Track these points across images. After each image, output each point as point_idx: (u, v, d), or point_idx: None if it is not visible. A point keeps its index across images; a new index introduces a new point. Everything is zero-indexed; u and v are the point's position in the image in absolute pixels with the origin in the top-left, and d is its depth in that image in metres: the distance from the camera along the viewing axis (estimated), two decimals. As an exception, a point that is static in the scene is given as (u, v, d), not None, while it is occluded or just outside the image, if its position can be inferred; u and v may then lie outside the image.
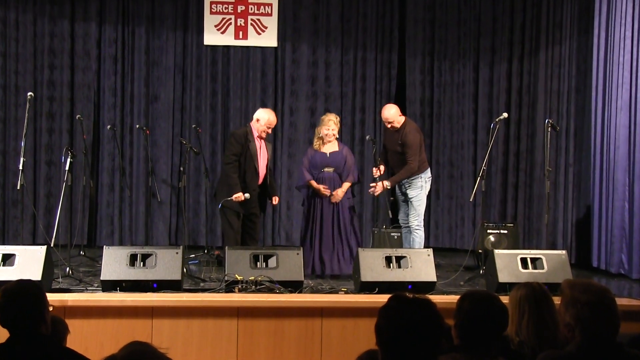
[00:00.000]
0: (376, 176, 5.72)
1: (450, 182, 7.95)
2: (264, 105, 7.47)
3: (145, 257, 5.04)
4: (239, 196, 5.46)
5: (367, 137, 6.06)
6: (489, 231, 6.65)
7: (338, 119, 5.96)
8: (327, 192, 5.62)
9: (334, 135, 5.72)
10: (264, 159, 5.72)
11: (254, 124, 5.66)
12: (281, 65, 7.87)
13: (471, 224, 7.78)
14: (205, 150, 7.58)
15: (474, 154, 7.82)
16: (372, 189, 5.66)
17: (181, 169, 6.45)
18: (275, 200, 5.81)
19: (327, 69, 7.90)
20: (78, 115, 6.85)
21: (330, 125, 5.73)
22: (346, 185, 5.64)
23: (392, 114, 5.94)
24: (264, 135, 5.64)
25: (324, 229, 5.63)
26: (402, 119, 6.01)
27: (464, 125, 7.92)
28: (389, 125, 5.95)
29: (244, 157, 5.51)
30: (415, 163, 5.84)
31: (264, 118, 5.63)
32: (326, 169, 5.73)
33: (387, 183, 5.72)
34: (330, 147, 5.82)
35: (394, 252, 5.29)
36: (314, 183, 5.69)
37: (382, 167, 5.92)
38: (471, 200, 6.30)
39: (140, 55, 7.78)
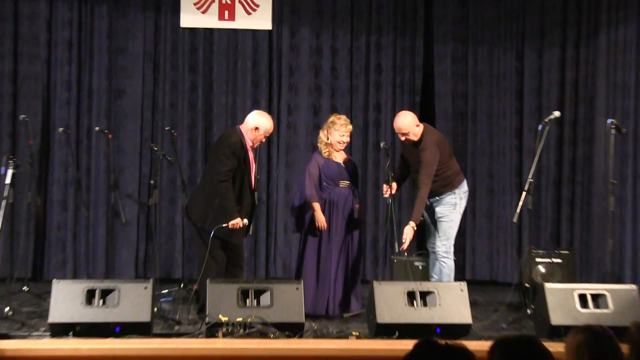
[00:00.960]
0: (386, 196, 5.75)
1: (489, 198, 7.95)
2: (255, 103, 7.58)
3: (105, 293, 5.01)
4: (237, 222, 5.43)
5: (382, 144, 6.05)
6: (537, 260, 6.65)
7: (348, 122, 6.04)
8: (323, 224, 5.71)
9: (346, 143, 5.84)
10: (253, 171, 5.78)
11: (247, 131, 5.63)
12: (277, 53, 7.88)
13: (515, 251, 7.78)
14: (181, 159, 7.56)
15: (519, 163, 7.81)
16: (402, 246, 5.64)
17: (152, 182, 6.43)
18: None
19: (334, 57, 7.90)
20: (22, 116, 6.83)
21: (346, 130, 5.83)
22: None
23: (406, 123, 5.96)
24: (257, 145, 5.67)
25: (332, 257, 5.71)
26: (420, 129, 6.02)
27: (506, 127, 7.95)
28: (403, 138, 5.99)
29: (239, 172, 5.50)
30: (425, 189, 5.82)
31: (264, 126, 5.64)
32: (342, 183, 5.84)
33: (410, 226, 5.65)
34: (340, 155, 5.92)
35: (418, 287, 5.30)
36: (317, 209, 5.73)
37: (394, 185, 5.93)
38: (515, 221, 6.17)
39: (102, 40, 7.79)
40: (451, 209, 6.07)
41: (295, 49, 7.85)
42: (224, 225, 5.31)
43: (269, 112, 6.97)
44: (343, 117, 6.02)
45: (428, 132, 5.99)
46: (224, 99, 7.84)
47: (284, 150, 7.92)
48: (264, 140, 5.66)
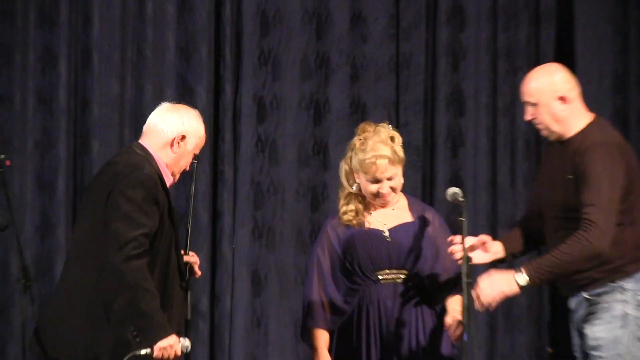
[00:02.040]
0: (456, 257, 3.92)
1: None
2: (185, 92, 5.61)
3: None
4: (171, 346, 3.70)
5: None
6: None
7: (396, 136, 4.08)
8: None
9: (392, 190, 4.02)
10: None
11: (161, 150, 3.88)
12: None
13: None
14: (22, 217, 5.49)
15: None
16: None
17: None
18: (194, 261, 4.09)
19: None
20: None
21: (383, 167, 4.00)
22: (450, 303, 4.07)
23: (539, 86, 4.00)
24: (177, 176, 3.98)
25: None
26: (578, 113, 4.01)
27: None
28: (541, 128, 4.04)
29: (162, 243, 3.82)
30: (596, 231, 3.81)
31: (195, 132, 3.94)
32: (385, 274, 4.07)
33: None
34: (391, 215, 4.10)
35: None
36: (319, 348, 4.14)
37: (487, 240, 4.00)
38: None
39: None
40: (613, 326, 3.94)
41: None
42: (141, 353, 3.65)
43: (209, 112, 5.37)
44: (378, 128, 4.12)
45: (597, 123, 4.07)
46: (115, 84, 5.62)
47: (245, 197, 5.70)
48: (187, 166, 3.96)
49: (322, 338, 4.11)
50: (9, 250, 5.28)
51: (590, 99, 4.55)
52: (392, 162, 3.92)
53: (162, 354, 3.64)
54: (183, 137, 3.75)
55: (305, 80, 5.42)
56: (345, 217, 4.01)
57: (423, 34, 5.52)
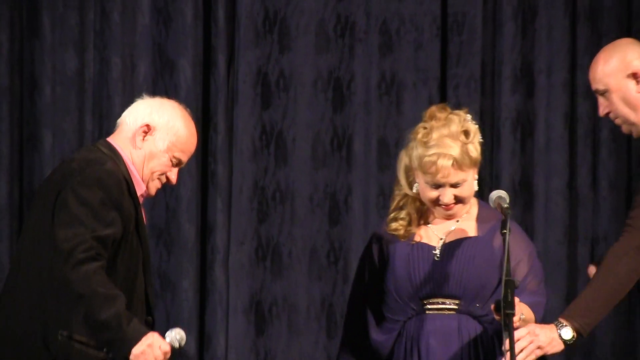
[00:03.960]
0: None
1: None
2: (164, 67, 4.84)
3: None
4: (150, 346, 3.27)
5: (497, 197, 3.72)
6: None
7: (472, 131, 3.44)
8: None
9: (457, 200, 3.49)
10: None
11: (129, 143, 3.47)
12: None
13: None
14: None
15: None
16: None
17: None
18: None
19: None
20: None
21: (446, 169, 3.42)
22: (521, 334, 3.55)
23: (626, 58, 3.63)
24: (153, 190, 3.48)
25: None
26: None
27: None
28: (619, 123, 3.64)
29: (126, 257, 3.41)
30: None
31: (171, 129, 3.46)
32: (433, 304, 3.57)
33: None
34: (453, 228, 3.53)
35: None
36: None
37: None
38: None
39: None
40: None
41: None
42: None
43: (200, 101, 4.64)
44: (451, 116, 3.47)
45: None
46: (71, 58, 4.90)
47: (244, 206, 4.90)
48: (159, 178, 3.43)
49: None
50: None
51: None
52: (459, 165, 3.34)
53: (145, 359, 3.23)
54: (148, 128, 3.29)
55: (323, 52, 4.74)
56: (393, 226, 3.42)
57: (480, -13, 4.97)
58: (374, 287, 3.46)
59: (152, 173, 3.31)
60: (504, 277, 3.10)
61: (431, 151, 3.28)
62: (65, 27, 4.69)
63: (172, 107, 3.37)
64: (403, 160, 3.36)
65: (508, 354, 3.09)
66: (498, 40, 4.83)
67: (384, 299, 3.47)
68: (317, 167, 4.70)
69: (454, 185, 3.30)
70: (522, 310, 3.31)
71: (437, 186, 3.31)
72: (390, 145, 4.67)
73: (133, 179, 3.28)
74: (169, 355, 3.18)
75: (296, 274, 4.65)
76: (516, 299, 3.22)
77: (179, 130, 3.30)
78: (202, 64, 4.68)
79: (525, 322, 3.34)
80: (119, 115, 3.36)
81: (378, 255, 3.48)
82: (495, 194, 3.30)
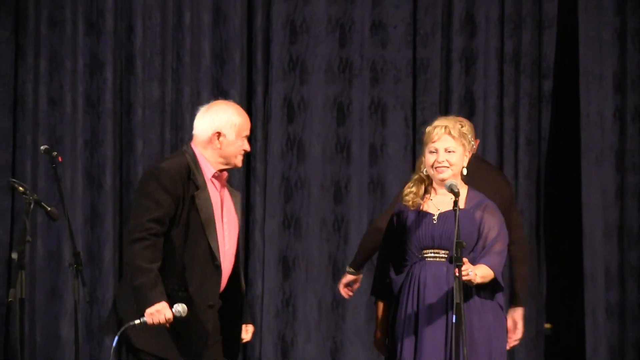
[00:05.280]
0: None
1: None
2: (220, 95, 5.53)
3: None
4: (158, 311, 3.78)
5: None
6: None
7: (467, 125, 4.21)
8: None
9: (448, 163, 4.03)
10: (231, 230, 4.02)
11: (202, 147, 3.94)
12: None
13: None
14: (74, 209, 5.68)
15: None
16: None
17: (13, 256, 4.44)
18: (248, 331, 4.10)
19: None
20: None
21: (440, 134, 4.05)
22: (483, 271, 4.03)
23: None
24: (232, 165, 3.96)
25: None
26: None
27: None
28: None
29: (182, 225, 3.88)
30: None
31: (234, 123, 3.95)
32: (430, 253, 4.17)
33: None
34: (447, 203, 4.08)
35: None
36: (377, 319, 4.30)
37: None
38: None
39: None
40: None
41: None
42: (135, 322, 3.82)
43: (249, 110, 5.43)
44: (453, 116, 4.40)
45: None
46: (156, 88, 5.74)
47: (275, 191, 5.77)
48: (243, 152, 3.95)
49: (380, 308, 4.34)
50: (62, 239, 5.56)
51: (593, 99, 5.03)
52: (451, 134, 4.01)
53: (152, 319, 3.85)
54: (219, 134, 3.92)
55: (330, 84, 5.63)
56: (406, 198, 4.17)
57: (439, 40, 5.64)
58: (394, 243, 4.20)
59: (236, 155, 3.89)
60: (455, 240, 3.81)
61: (433, 124, 4.00)
62: (152, 67, 5.62)
63: (224, 106, 4.02)
64: (421, 156, 4.16)
65: (457, 292, 3.77)
66: (450, 76, 5.71)
67: (400, 250, 4.18)
68: (326, 164, 5.62)
69: (447, 150, 3.96)
70: (476, 269, 3.90)
71: (435, 151, 4.01)
72: (377, 149, 5.51)
73: (202, 168, 3.88)
74: (171, 320, 3.81)
75: (311, 238, 5.51)
76: (465, 259, 3.85)
77: (235, 120, 3.93)
78: (246, 93, 5.65)
79: (483, 278, 3.93)
80: (190, 130, 4.12)
81: (397, 222, 4.21)
82: (449, 182, 3.93)
